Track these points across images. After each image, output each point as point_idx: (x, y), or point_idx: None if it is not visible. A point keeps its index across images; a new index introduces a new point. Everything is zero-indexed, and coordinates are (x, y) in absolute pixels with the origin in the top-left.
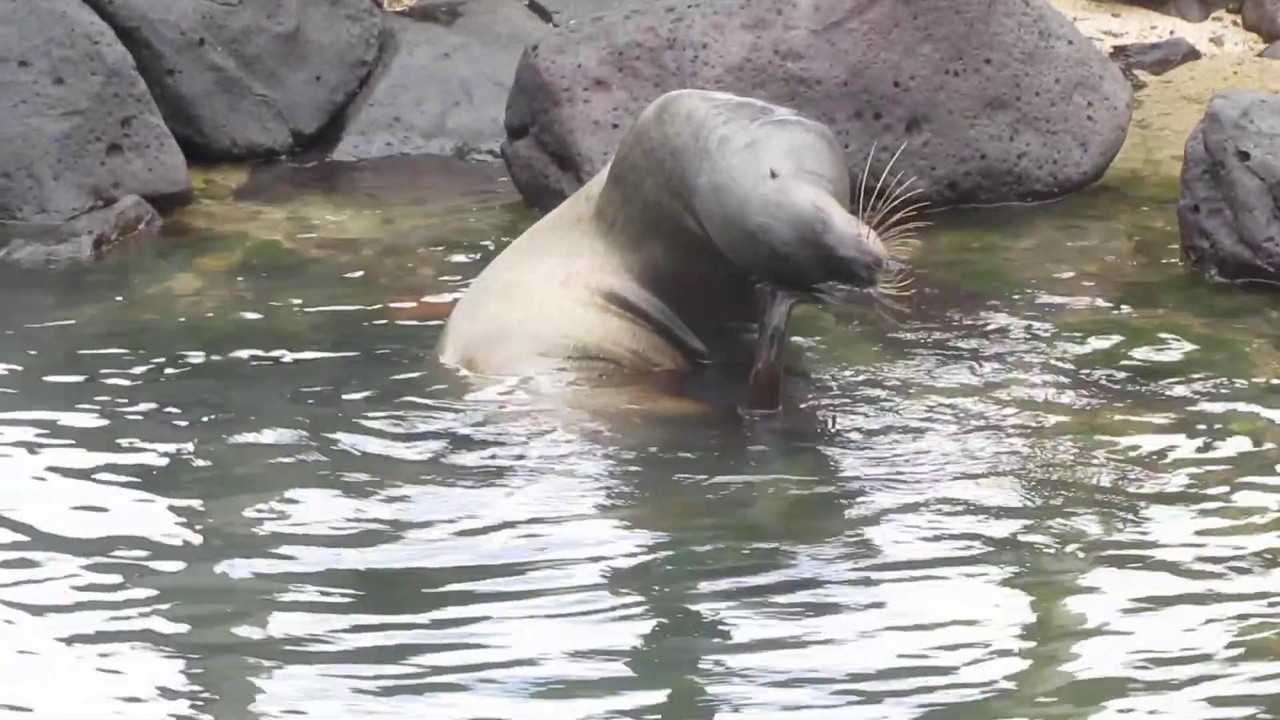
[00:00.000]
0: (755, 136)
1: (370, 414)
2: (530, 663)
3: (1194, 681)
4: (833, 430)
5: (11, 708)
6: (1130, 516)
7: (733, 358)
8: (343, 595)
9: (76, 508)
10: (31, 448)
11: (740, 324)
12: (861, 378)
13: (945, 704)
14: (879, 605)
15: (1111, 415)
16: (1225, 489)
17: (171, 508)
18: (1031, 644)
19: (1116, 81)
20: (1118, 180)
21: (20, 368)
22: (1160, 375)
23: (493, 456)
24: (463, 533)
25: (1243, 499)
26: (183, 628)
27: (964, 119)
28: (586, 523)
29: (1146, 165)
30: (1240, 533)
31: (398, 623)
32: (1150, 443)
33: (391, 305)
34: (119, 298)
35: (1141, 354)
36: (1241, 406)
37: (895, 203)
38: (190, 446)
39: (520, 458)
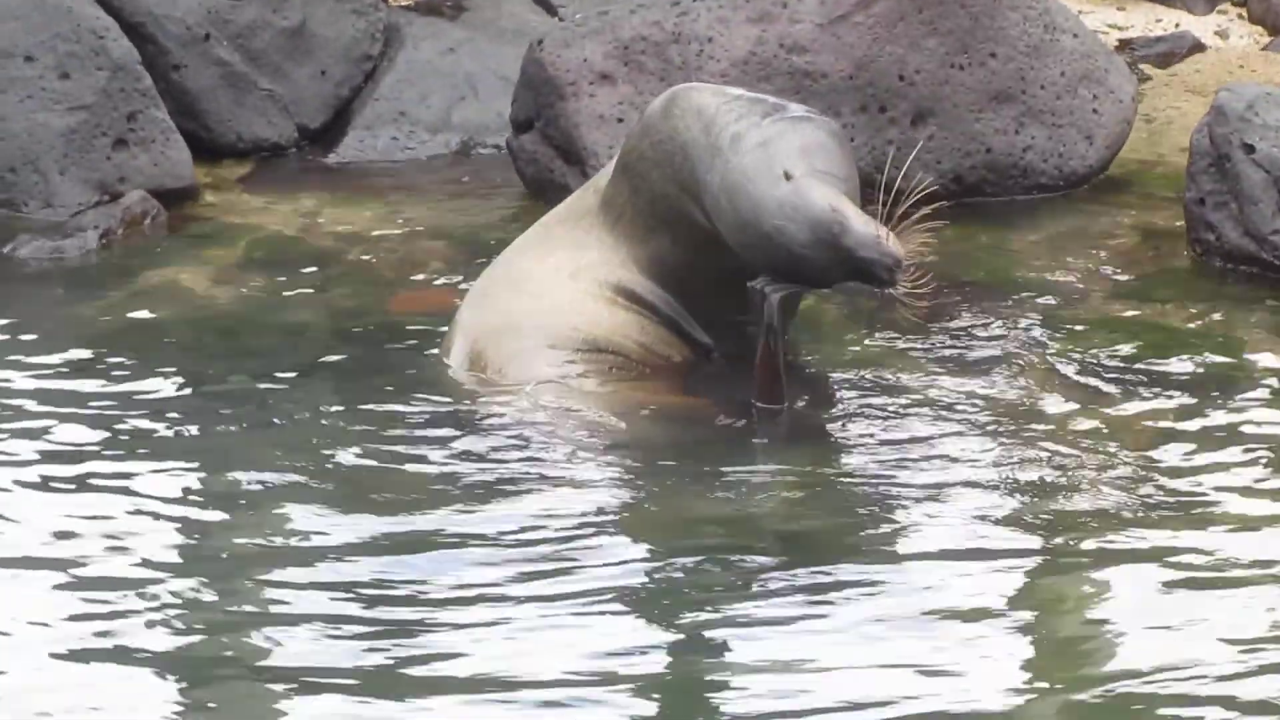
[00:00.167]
0: (768, 135)
1: (376, 407)
2: (536, 658)
3: (1201, 681)
4: (838, 425)
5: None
6: (1137, 512)
7: (740, 351)
8: (346, 591)
9: (81, 503)
10: (37, 443)
11: (747, 317)
12: (866, 372)
13: (950, 701)
14: (885, 601)
15: (1117, 408)
16: (1234, 483)
17: (176, 503)
18: (1038, 642)
19: (1122, 75)
20: (1123, 173)
21: (26, 363)
22: (1165, 368)
23: (500, 451)
24: (468, 529)
25: (1251, 493)
26: (187, 626)
27: (969, 113)
28: (592, 516)
29: (1152, 158)
30: (1249, 528)
31: (402, 618)
32: (1156, 436)
33: (397, 298)
34: (125, 292)
35: (1147, 347)
36: (1248, 399)
37: (911, 200)
38: (196, 441)
39: (527, 452)
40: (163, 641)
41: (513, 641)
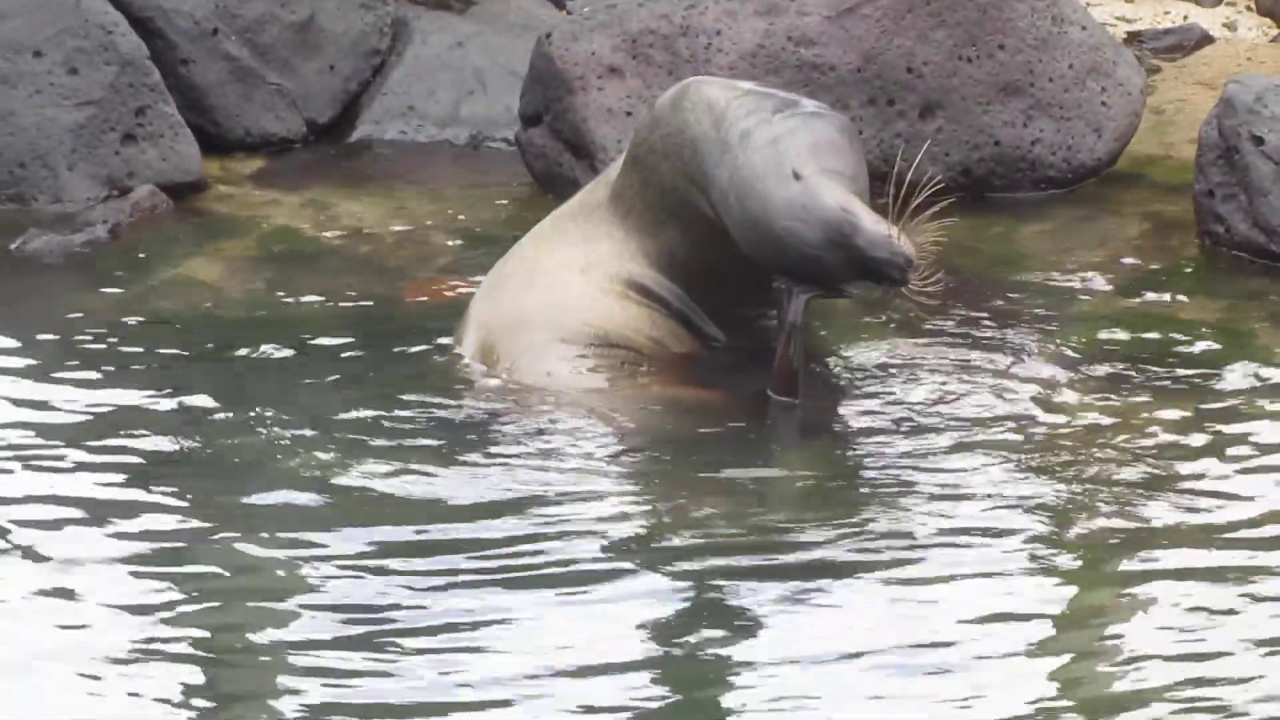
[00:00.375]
0: (778, 132)
1: (387, 401)
2: (545, 651)
3: (1208, 680)
4: (851, 419)
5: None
6: (1147, 505)
7: (751, 345)
8: (354, 584)
9: (91, 496)
10: (47, 436)
11: (758, 311)
12: (878, 366)
13: (958, 694)
14: (895, 594)
15: (1127, 401)
16: (1244, 475)
17: (187, 496)
18: (1048, 634)
19: (1130, 67)
20: (1132, 166)
21: (36, 356)
22: (1176, 360)
23: (512, 445)
24: (481, 522)
25: (1262, 485)
26: (199, 614)
27: (977, 105)
28: (605, 510)
29: (1161, 151)
30: (1260, 523)
31: (407, 609)
32: (1166, 428)
33: (409, 285)
34: (134, 286)
35: (1156, 339)
36: (1258, 390)
37: (921, 197)
38: (206, 434)
39: (540, 446)
40: (162, 641)
41: (515, 637)
